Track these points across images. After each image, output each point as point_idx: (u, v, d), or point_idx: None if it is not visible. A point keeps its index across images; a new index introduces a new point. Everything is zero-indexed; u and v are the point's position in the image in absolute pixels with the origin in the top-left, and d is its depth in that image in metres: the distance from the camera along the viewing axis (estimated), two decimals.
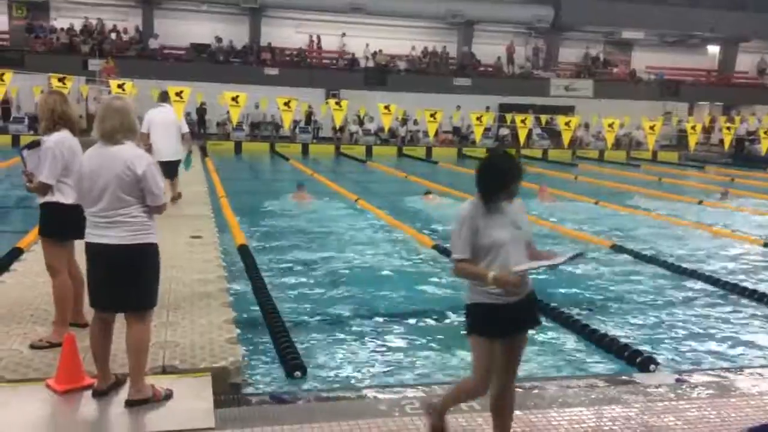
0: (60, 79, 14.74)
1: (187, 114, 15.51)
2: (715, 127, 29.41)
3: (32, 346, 4.96)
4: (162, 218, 4.32)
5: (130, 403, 4.19)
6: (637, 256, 10.04)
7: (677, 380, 5.30)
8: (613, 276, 9.12)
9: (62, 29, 30.72)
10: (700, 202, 15.96)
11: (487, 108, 28.93)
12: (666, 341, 6.74)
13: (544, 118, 29.41)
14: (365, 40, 33.65)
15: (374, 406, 4.58)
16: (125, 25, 32.38)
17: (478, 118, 19.82)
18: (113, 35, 31.66)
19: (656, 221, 13.45)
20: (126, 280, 4.13)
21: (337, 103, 17.87)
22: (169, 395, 4.32)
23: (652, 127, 18.74)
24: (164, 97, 11.52)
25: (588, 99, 33.79)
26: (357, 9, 32.60)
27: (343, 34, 34.07)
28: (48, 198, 5.05)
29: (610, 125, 18.37)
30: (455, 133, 30.99)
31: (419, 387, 5.14)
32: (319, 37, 34.22)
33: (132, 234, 4.12)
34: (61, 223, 5.07)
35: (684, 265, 9.44)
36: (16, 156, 5.19)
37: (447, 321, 7.10)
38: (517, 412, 4.46)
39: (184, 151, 11.64)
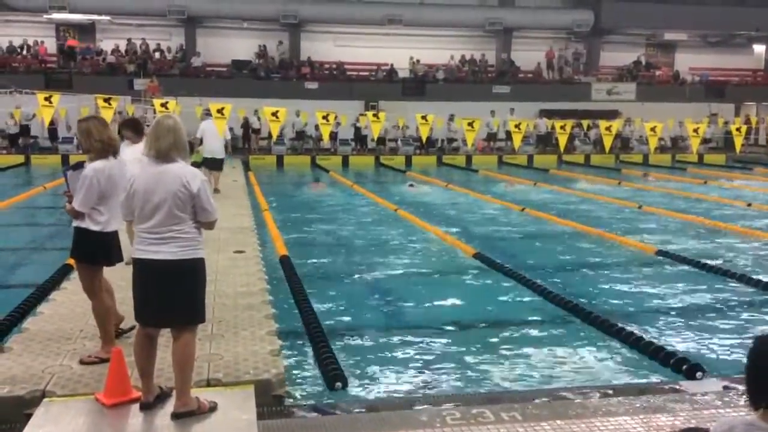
0: (106, 100, 15.13)
1: (231, 129, 18.33)
2: (762, 127, 28.68)
3: (82, 362, 5.09)
4: (205, 232, 4.41)
5: (176, 416, 4.25)
6: (682, 261, 9.87)
7: (724, 388, 5.18)
8: (658, 282, 8.97)
9: (105, 51, 31.58)
10: (749, 205, 15.61)
11: (537, 129, 28.40)
12: (713, 348, 6.60)
13: (586, 122, 29.11)
14: (404, 51, 33.74)
15: (415, 417, 4.58)
16: (168, 44, 33.14)
17: (517, 126, 19.73)
18: (157, 54, 32.39)
19: (702, 225, 13.20)
20: (177, 296, 4.20)
21: (374, 115, 17.98)
22: (213, 407, 4.38)
23: (696, 130, 18.39)
24: (208, 113, 15.13)
25: (631, 103, 33.28)
26: (394, 20, 32.76)
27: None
28: (78, 223, 5.14)
29: (653, 129, 18.10)
30: (508, 137, 30.34)
31: (460, 398, 5.13)
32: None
33: (183, 249, 4.20)
34: (88, 250, 5.16)
35: (730, 270, 9.25)
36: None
37: (489, 331, 7.07)
38: (558, 422, 4.45)
39: (227, 153, 15.67)
